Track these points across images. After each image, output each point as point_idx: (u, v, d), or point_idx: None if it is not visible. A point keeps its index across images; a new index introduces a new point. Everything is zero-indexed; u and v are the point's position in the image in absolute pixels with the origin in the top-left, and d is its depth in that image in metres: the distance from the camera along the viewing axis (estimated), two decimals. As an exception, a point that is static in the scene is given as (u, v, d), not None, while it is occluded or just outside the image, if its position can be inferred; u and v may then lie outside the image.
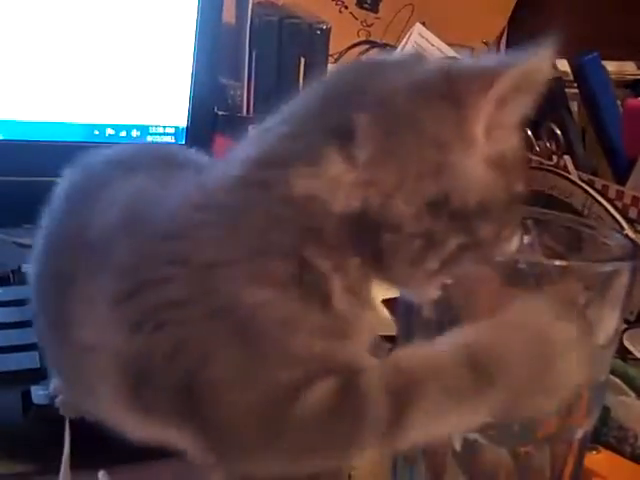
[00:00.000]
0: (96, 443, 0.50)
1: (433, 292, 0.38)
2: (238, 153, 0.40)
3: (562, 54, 0.94)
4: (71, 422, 0.51)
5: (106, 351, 0.39)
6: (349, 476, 0.52)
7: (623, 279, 0.40)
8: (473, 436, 0.42)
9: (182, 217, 0.38)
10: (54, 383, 0.53)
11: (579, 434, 0.43)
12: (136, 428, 0.41)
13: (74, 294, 0.41)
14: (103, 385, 0.40)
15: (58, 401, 0.52)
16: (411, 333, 0.43)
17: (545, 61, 0.35)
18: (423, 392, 0.34)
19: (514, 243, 0.39)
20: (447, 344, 0.35)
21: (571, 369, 0.36)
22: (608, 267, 0.40)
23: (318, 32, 0.93)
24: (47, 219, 0.46)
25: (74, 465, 0.50)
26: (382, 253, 0.36)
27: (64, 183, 0.47)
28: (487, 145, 0.35)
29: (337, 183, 0.35)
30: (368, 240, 0.36)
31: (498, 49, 1.20)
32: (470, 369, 0.33)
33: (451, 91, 0.34)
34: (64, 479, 0.48)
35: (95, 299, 0.39)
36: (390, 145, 0.35)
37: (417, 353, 0.36)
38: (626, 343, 0.69)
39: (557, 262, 0.40)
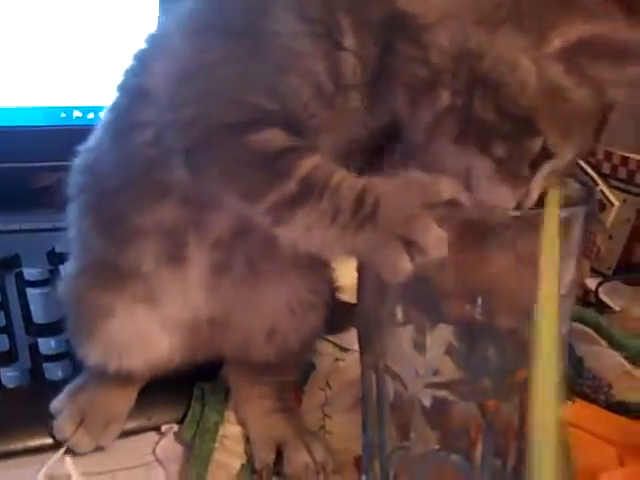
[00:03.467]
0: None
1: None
2: None
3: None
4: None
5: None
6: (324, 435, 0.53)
7: (578, 225, 0.40)
8: (442, 393, 0.42)
9: None
10: (61, 428, 0.52)
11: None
12: None
13: None
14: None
15: (69, 444, 0.51)
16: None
17: None
18: (320, 194, 0.39)
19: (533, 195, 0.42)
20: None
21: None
22: (563, 213, 0.40)
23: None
24: None
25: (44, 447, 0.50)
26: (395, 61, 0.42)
27: None
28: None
29: None
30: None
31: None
32: (357, 198, 0.38)
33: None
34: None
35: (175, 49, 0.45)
36: None
37: (334, 169, 0.40)
38: (602, 297, 0.69)
39: (512, 212, 0.40)
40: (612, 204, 0.75)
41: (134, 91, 0.49)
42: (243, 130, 0.41)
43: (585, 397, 0.53)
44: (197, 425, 0.53)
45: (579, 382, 0.54)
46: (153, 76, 0.46)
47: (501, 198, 0.41)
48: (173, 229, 0.48)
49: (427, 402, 0.43)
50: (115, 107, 0.51)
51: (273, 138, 0.41)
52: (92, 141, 0.53)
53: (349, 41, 0.42)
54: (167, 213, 0.48)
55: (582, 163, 0.77)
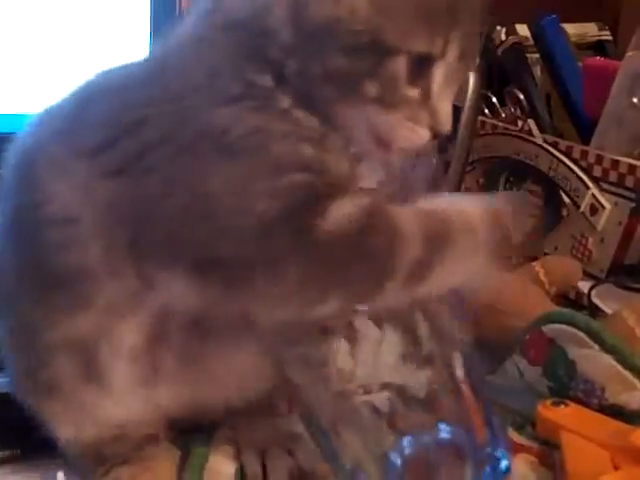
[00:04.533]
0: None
1: None
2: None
3: (522, 19, 0.93)
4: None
5: (95, 207, 0.39)
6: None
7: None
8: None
9: (148, 67, 0.42)
10: None
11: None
12: (128, 290, 0.40)
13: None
14: (92, 252, 0.39)
15: None
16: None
17: None
18: (455, 242, 0.37)
19: None
20: (472, 205, 0.39)
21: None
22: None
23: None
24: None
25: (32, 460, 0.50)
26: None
27: None
28: None
29: None
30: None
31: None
32: (491, 229, 0.38)
33: None
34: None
35: (68, 168, 0.40)
36: None
37: (451, 206, 0.38)
38: (595, 300, 0.69)
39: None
40: (603, 207, 0.75)
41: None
42: (305, 216, 0.36)
43: (578, 401, 0.53)
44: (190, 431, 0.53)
45: (571, 386, 0.54)
46: None
47: (406, 132, 0.39)
48: (83, 342, 0.42)
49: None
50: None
51: (343, 212, 0.37)
52: None
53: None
54: (81, 326, 0.42)
55: (574, 167, 0.78)
